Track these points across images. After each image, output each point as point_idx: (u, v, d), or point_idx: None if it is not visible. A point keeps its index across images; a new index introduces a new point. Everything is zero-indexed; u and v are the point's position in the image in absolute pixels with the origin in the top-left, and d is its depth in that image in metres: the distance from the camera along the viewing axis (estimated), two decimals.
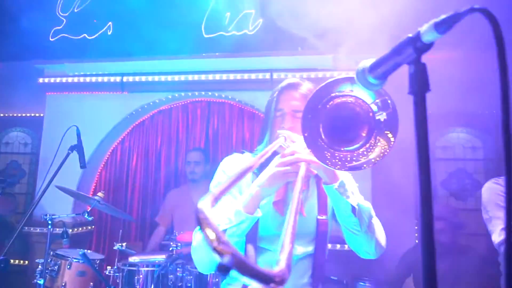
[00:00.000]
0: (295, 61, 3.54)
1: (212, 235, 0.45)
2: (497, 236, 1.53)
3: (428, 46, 0.60)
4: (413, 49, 0.60)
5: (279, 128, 1.29)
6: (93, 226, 4.33)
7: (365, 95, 0.93)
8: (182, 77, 3.96)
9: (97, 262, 2.97)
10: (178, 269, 2.72)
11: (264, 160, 1.26)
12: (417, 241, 3.86)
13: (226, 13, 3.80)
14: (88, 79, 4.13)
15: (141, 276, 2.70)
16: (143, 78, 4.02)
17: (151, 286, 2.69)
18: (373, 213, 1.24)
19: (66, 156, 2.56)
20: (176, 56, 3.91)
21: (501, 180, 1.67)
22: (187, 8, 3.90)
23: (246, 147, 3.42)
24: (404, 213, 3.56)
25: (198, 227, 1.18)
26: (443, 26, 0.56)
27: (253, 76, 3.66)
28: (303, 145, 1.08)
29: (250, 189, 1.15)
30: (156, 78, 4.01)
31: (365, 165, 0.96)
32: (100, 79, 4.09)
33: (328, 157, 0.97)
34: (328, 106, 0.94)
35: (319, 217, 1.29)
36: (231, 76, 3.81)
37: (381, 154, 0.96)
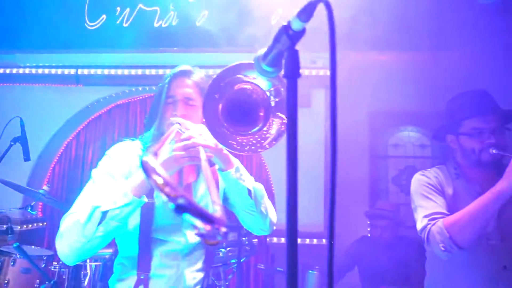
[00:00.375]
0: (249, 58, 3.58)
1: (160, 181, 0.51)
2: (420, 223, 1.63)
3: (299, 34, 0.64)
4: (287, 37, 0.65)
5: (171, 115, 1.27)
6: (45, 223, 4.20)
7: (263, 83, 0.99)
8: (139, 71, 3.91)
9: (44, 258, 2.88)
10: None
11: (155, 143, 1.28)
12: (369, 235, 4.01)
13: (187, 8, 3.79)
14: (40, 70, 3.99)
15: (87, 271, 2.65)
16: (99, 71, 3.94)
17: (97, 281, 2.65)
18: (264, 193, 1.30)
19: (8, 148, 2.47)
20: (133, 49, 3.86)
21: (428, 172, 1.77)
22: (144, 2, 3.87)
23: None
24: (357, 205, 3.66)
25: (66, 214, 1.17)
26: (303, 15, 0.61)
27: (210, 71, 3.64)
28: (197, 132, 1.13)
29: (141, 172, 1.12)
30: (113, 71, 3.94)
31: (274, 142, 1.03)
32: (53, 71, 3.97)
33: (236, 146, 1.01)
34: (232, 88, 0.98)
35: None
36: None
37: (281, 129, 1.05)
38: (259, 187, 1.29)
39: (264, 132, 1.02)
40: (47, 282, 2.57)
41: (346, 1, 3.45)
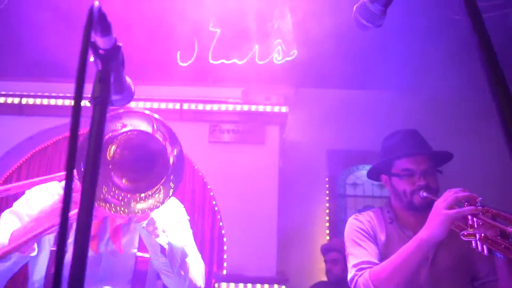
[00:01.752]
0: (204, 92, 3.51)
1: None
2: (349, 273, 1.49)
3: (110, 52, 0.53)
4: (97, 57, 0.53)
5: None
6: None
7: (142, 125, 0.89)
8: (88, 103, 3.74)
9: None
10: None
11: None
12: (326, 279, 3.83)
13: None
14: None
15: None
16: (45, 101, 3.75)
17: None
18: (188, 252, 1.16)
19: None
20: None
21: (361, 216, 1.66)
22: None
23: None
24: (315, 245, 3.56)
25: None
26: (99, 29, 0.50)
27: (162, 105, 3.55)
28: None
29: (25, 223, 1.08)
30: (60, 102, 3.75)
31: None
32: None
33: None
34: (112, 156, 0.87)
35: (138, 254, 1.16)
36: (141, 105, 3.67)
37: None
38: (179, 245, 1.13)
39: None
40: None
41: (306, 38, 3.48)
